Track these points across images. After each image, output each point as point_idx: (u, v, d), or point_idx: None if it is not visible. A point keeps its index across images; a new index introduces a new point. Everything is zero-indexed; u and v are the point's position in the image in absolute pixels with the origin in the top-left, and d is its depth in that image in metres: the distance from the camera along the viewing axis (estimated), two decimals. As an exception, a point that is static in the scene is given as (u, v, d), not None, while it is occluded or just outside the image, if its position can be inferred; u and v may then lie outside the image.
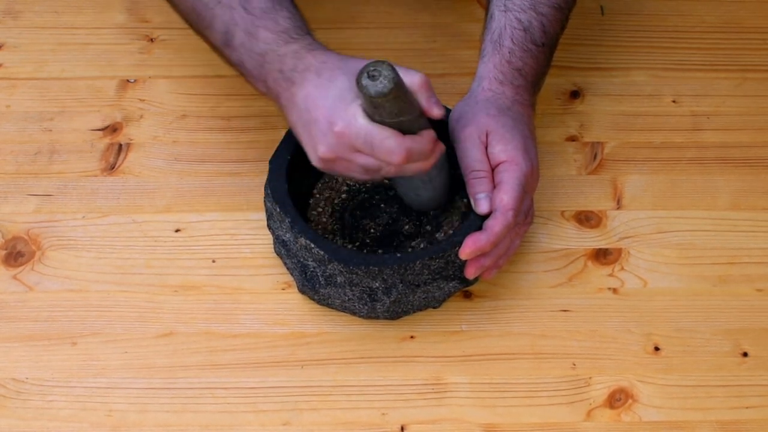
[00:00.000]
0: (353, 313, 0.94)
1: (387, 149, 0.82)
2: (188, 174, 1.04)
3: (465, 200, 0.95)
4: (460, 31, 1.16)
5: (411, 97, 0.82)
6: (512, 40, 0.94)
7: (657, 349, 0.94)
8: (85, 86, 1.10)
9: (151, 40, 1.14)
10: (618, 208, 1.03)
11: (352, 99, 0.81)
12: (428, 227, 0.97)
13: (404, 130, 0.82)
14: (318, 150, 0.84)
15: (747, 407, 0.92)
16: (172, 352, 0.93)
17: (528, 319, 0.96)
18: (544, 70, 0.98)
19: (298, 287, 0.95)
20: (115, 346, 0.93)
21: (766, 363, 0.94)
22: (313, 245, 0.88)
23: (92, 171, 1.04)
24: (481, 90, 0.94)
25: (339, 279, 0.89)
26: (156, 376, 0.91)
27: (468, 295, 0.97)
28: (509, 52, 0.94)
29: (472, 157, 0.90)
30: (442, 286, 0.92)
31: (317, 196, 0.99)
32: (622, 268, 0.99)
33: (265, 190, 0.94)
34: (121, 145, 1.06)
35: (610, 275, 0.99)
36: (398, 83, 0.78)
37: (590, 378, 0.93)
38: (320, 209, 0.99)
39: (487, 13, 0.98)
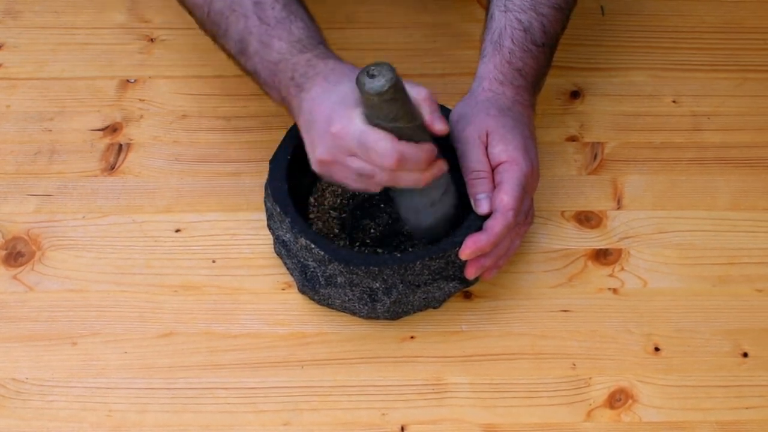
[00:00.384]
0: (353, 314, 0.94)
1: (380, 151, 0.81)
2: (188, 174, 1.04)
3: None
4: (460, 31, 1.16)
5: (411, 106, 0.82)
6: (512, 40, 0.94)
7: (657, 349, 0.94)
8: (85, 86, 1.10)
9: (151, 40, 1.14)
10: (618, 208, 1.03)
11: (353, 103, 0.81)
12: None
13: (402, 137, 0.82)
14: (316, 152, 0.84)
15: (747, 407, 0.92)
16: (172, 352, 0.93)
17: (528, 320, 0.96)
18: (545, 71, 0.98)
19: (298, 287, 0.95)
20: (115, 346, 0.93)
21: (766, 363, 0.94)
22: (313, 245, 0.88)
23: (92, 171, 1.04)
24: (481, 90, 0.94)
25: (339, 279, 0.89)
26: (156, 376, 0.91)
27: (468, 296, 0.97)
28: (509, 53, 0.94)
29: (472, 157, 0.90)
30: (442, 286, 0.92)
31: (317, 196, 0.99)
32: (622, 269, 0.99)
33: (265, 190, 0.94)
34: (121, 145, 1.06)
35: (610, 275, 0.99)
36: (396, 84, 0.78)
37: (590, 378, 0.93)
38: (320, 209, 0.99)
39: (487, 14, 0.98)
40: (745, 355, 0.95)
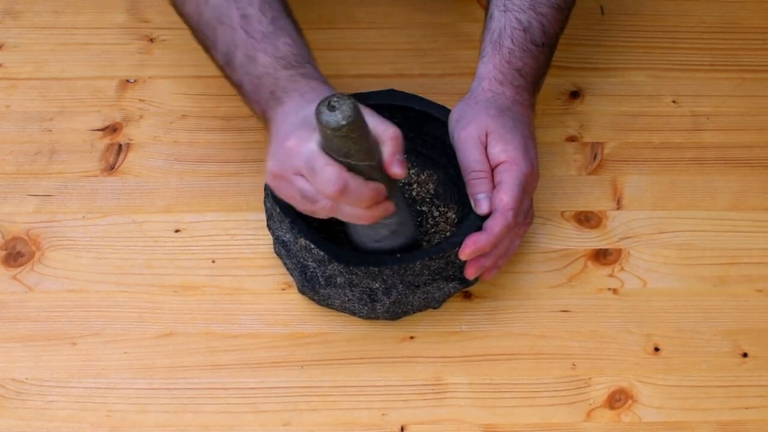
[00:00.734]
0: (353, 314, 0.94)
1: (324, 177, 0.78)
2: (188, 174, 1.04)
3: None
4: (460, 31, 1.16)
5: (368, 145, 0.78)
6: (512, 40, 0.94)
7: (657, 349, 0.94)
8: (85, 86, 1.10)
9: (151, 40, 1.14)
10: (618, 209, 1.03)
11: (315, 126, 0.79)
12: (427, 228, 0.97)
13: (354, 171, 0.79)
14: (269, 164, 0.83)
15: (747, 407, 0.92)
16: (172, 352, 0.93)
17: (528, 320, 0.96)
18: (544, 71, 0.98)
19: (298, 288, 0.95)
20: (115, 346, 0.93)
21: (766, 363, 0.94)
22: (313, 246, 0.88)
23: (92, 171, 1.04)
24: (480, 90, 0.94)
25: (339, 279, 0.89)
26: (156, 376, 0.91)
27: (468, 296, 0.97)
28: (509, 53, 0.94)
29: (471, 157, 0.90)
30: (442, 286, 0.92)
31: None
32: (622, 269, 0.99)
33: (265, 190, 0.94)
34: (121, 145, 1.06)
35: (610, 275, 0.99)
36: (353, 123, 0.75)
37: (590, 378, 0.93)
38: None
39: (486, 14, 0.98)
40: (745, 355, 0.95)
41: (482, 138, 0.90)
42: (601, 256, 1.00)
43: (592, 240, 1.01)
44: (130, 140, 1.06)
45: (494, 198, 0.89)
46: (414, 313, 0.94)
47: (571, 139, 1.08)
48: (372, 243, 0.90)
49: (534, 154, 0.92)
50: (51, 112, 1.08)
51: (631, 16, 1.18)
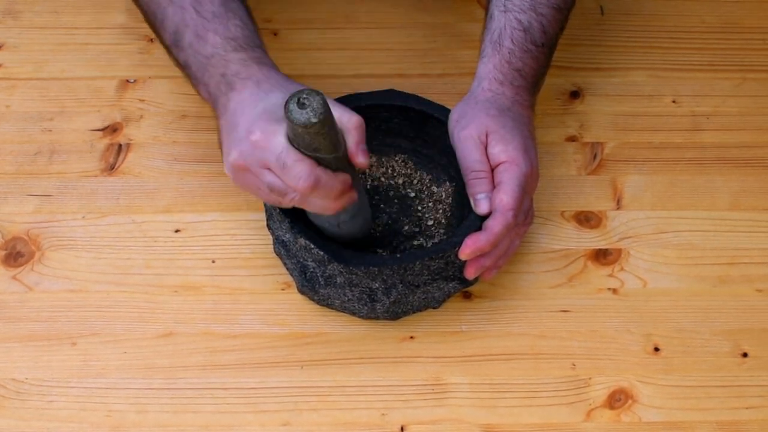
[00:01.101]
0: (353, 314, 0.94)
1: (296, 173, 0.79)
2: (188, 174, 1.04)
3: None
4: (460, 31, 1.16)
5: (335, 138, 0.79)
6: (512, 40, 0.94)
7: (657, 349, 0.94)
8: (85, 86, 1.10)
9: (151, 40, 1.14)
10: (618, 209, 1.03)
11: (279, 117, 0.79)
12: (427, 228, 0.97)
13: (320, 164, 0.80)
14: (230, 155, 0.82)
15: (747, 407, 0.92)
16: (172, 352, 0.93)
17: (528, 320, 0.96)
18: (544, 71, 0.98)
19: (297, 287, 0.95)
20: (115, 346, 0.93)
21: (766, 363, 0.94)
22: (312, 246, 0.88)
23: (92, 171, 1.04)
24: (480, 90, 0.94)
25: (339, 279, 0.89)
26: (156, 376, 0.91)
27: (468, 296, 0.97)
28: (509, 53, 0.94)
29: (471, 157, 0.90)
30: (441, 286, 0.92)
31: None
32: (622, 269, 0.99)
33: (264, 190, 0.94)
34: (120, 146, 1.06)
35: (610, 275, 0.99)
36: (324, 120, 0.75)
37: (590, 378, 0.93)
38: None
39: (486, 14, 0.98)
40: (745, 355, 0.95)
41: (482, 138, 0.90)
42: (601, 256, 1.00)
43: (592, 240, 1.01)
44: (130, 140, 1.06)
45: (494, 198, 0.89)
46: (414, 313, 0.94)
47: (571, 139, 1.08)
48: (333, 228, 0.90)
49: (534, 154, 0.92)
50: (51, 112, 1.08)
51: (631, 16, 1.18)
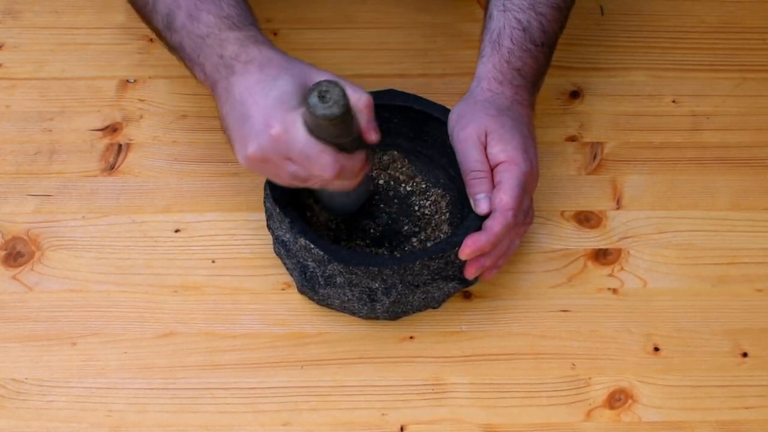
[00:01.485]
0: (353, 314, 0.94)
1: (321, 164, 0.81)
2: (188, 174, 1.04)
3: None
4: (460, 31, 1.16)
5: (354, 120, 0.81)
6: (511, 40, 0.94)
7: (657, 349, 0.94)
8: (85, 86, 1.10)
9: (151, 40, 1.14)
10: (618, 208, 1.03)
11: (293, 105, 0.80)
12: (427, 228, 0.98)
13: (341, 148, 0.82)
14: (247, 147, 0.82)
15: (747, 407, 0.92)
16: (172, 352, 0.93)
17: (528, 319, 0.96)
18: (544, 70, 0.98)
19: (297, 287, 0.95)
20: (115, 346, 0.93)
21: (766, 363, 0.94)
22: (312, 246, 0.88)
23: (92, 171, 1.04)
24: (480, 90, 0.94)
25: (338, 279, 0.89)
26: (156, 376, 0.91)
27: (468, 296, 0.97)
28: (508, 52, 0.94)
29: (471, 157, 0.90)
30: (441, 286, 0.91)
31: (317, 196, 0.99)
32: (622, 269, 0.99)
33: (264, 190, 0.94)
34: (120, 145, 1.06)
35: (610, 275, 0.99)
36: (347, 109, 0.78)
37: (590, 378, 0.93)
38: (320, 209, 0.98)
39: (486, 13, 0.98)
40: (745, 355, 0.95)
41: (482, 138, 0.90)
42: (601, 256, 1.00)
43: (592, 240, 1.01)
44: (130, 140, 1.06)
45: (494, 198, 0.89)
46: (414, 313, 0.94)
47: (571, 139, 1.08)
48: (341, 197, 0.92)
49: (534, 154, 0.92)
50: (51, 112, 1.08)
51: (631, 16, 1.18)
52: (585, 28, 1.16)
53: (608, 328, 0.96)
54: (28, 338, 0.93)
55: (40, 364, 0.92)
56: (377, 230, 0.98)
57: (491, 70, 0.94)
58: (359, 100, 0.82)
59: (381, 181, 1.01)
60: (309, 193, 0.97)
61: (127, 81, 1.10)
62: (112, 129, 1.07)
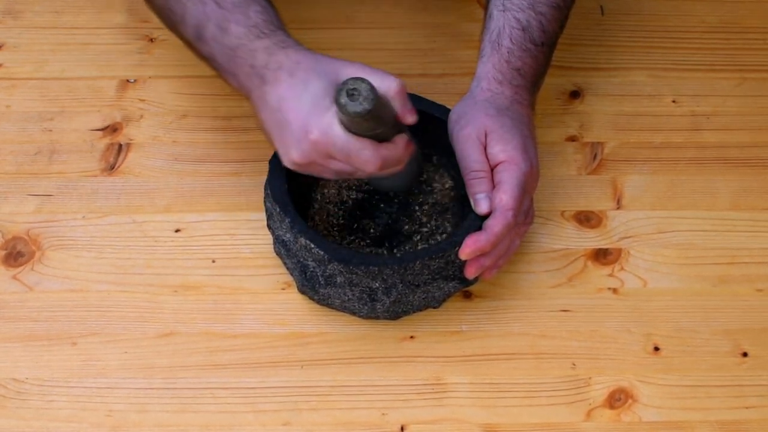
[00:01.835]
0: (353, 313, 0.94)
1: (363, 159, 0.82)
2: (188, 174, 1.04)
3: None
4: (460, 31, 1.16)
5: (387, 109, 0.82)
6: (511, 39, 0.94)
7: (657, 349, 0.94)
8: (85, 86, 1.10)
9: (151, 40, 1.14)
10: (618, 208, 1.03)
11: (327, 106, 0.81)
12: (427, 228, 0.97)
13: (379, 139, 0.83)
14: (291, 155, 0.84)
15: (747, 407, 0.92)
16: (172, 352, 0.93)
17: (528, 319, 0.96)
18: (544, 70, 0.98)
19: (297, 287, 0.95)
20: (115, 346, 0.93)
21: (766, 363, 0.94)
22: (312, 245, 0.88)
23: (92, 171, 1.04)
24: (480, 90, 0.94)
25: (339, 279, 0.89)
26: (156, 376, 0.91)
27: (468, 295, 0.97)
28: (508, 52, 0.94)
29: (471, 157, 0.90)
30: (442, 286, 0.92)
31: (317, 195, 0.99)
32: (622, 268, 0.99)
33: (265, 190, 0.94)
34: (121, 145, 1.06)
35: (610, 275, 0.99)
36: (377, 102, 0.78)
37: (590, 378, 0.93)
38: (320, 209, 0.99)
39: (485, 13, 0.98)
40: (745, 355, 0.95)
41: (481, 138, 0.90)
42: (601, 255, 1.00)
43: (592, 240, 1.01)
44: (130, 140, 1.06)
45: (494, 198, 0.89)
46: (414, 312, 0.94)
47: (571, 139, 1.08)
48: (393, 176, 0.91)
49: (534, 154, 0.92)
50: (51, 112, 1.08)
51: (632, 16, 1.18)
52: (585, 28, 1.16)
53: (608, 328, 0.96)
54: (29, 338, 0.93)
55: (40, 364, 0.92)
56: (377, 230, 0.98)
57: (491, 70, 0.94)
58: (390, 88, 0.83)
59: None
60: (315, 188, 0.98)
61: (128, 81, 1.10)
62: (113, 129, 1.07)
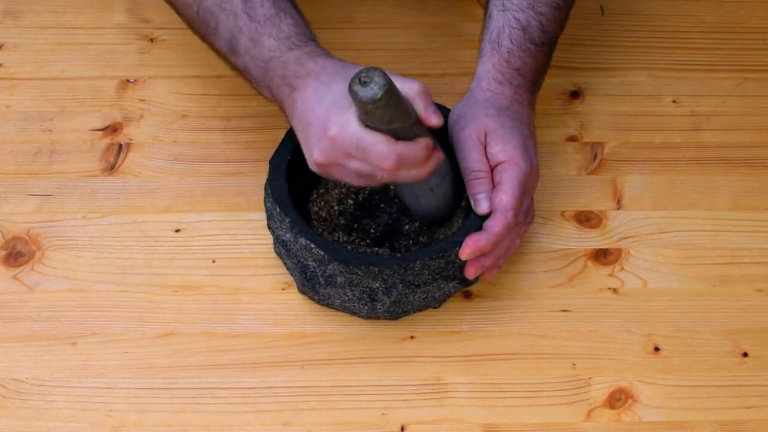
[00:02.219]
0: (353, 314, 0.94)
1: (378, 154, 0.82)
2: (188, 174, 1.04)
3: (464, 202, 0.95)
4: (460, 31, 1.16)
5: (405, 105, 0.82)
6: (511, 39, 0.94)
7: (657, 349, 0.94)
8: (85, 86, 1.10)
9: (151, 40, 1.14)
10: (618, 208, 1.03)
11: (348, 105, 0.81)
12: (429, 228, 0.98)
13: (398, 136, 0.82)
14: (313, 154, 0.85)
15: (747, 407, 0.92)
16: (172, 352, 0.93)
17: (528, 319, 0.96)
18: (544, 70, 0.98)
19: (298, 287, 0.95)
20: (115, 346, 0.93)
21: (766, 363, 0.94)
22: (313, 245, 0.88)
23: (92, 171, 1.04)
24: (479, 90, 0.94)
25: (339, 279, 0.89)
26: (156, 376, 0.91)
27: (468, 295, 0.97)
28: (508, 52, 0.94)
29: (471, 157, 0.90)
30: (442, 286, 0.92)
31: (317, 196, 0.99)
32: (622, 269, 0.99)
33: (265, 190, 0.94)
34: (121, 145, 1.06)
35: (610, 275, 0.99)
36: (389, 90, 0.78)
37: (590, 378, 0.93)
38: (320, 209, 0.99)
39: (485, 13, 0.98)
40: (745, 355, 0.95)
41: (481, 138, 0.90)
42: (601, 255, 1.00)
43: (592, 240, 1.01)
44: (131, 140, 1.06)
45: (494, 198, 0.89)
46: (414, 312, 0.94)
47: (571, 139, 1.08)
48: (427, 194, 0.91)
49: (534, 154, 0.92)
50: (51, 112, 1.08)
51: (632, 16, 1.18)
52: (585, 28, 1.16)
53: (608, 328, 0.96)
54: (29, 338, 0.93)
55: (40, 364, 0.92)
56: (377, 230, 0.98)
57: (491, 70, 0.94)
58: (411, 89, 0.82)
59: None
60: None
61: (128, 81, 1.10)
62: (113, 129, 1.07)
